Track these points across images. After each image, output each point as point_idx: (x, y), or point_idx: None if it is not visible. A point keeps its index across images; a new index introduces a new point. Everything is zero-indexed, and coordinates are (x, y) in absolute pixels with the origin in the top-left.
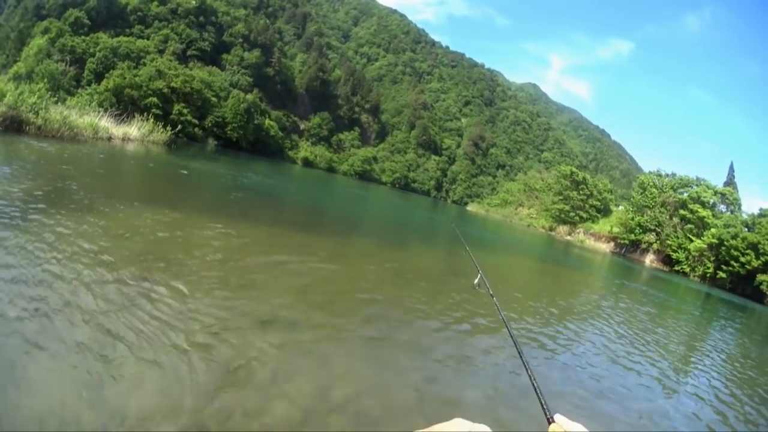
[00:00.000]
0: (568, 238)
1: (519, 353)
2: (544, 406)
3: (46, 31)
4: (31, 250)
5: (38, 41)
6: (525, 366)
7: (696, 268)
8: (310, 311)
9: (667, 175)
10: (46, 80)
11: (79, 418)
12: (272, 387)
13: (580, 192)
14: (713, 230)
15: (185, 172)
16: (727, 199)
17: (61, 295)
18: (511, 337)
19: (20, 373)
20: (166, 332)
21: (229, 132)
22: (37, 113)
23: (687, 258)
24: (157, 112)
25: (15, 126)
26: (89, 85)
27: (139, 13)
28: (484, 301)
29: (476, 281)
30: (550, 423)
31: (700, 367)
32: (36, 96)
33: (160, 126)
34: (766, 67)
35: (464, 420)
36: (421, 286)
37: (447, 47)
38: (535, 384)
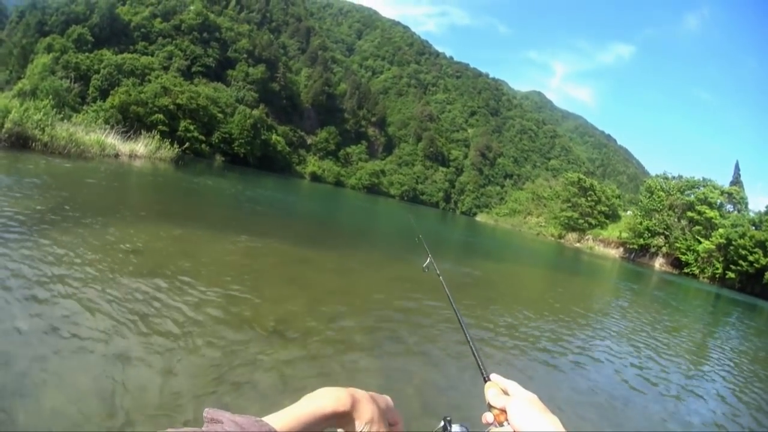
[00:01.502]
0: (578, 245)
1: (458, 320)
2: (481, 366)
3: (49, 47)
4: (50, 261)
5: (42, 59)
6: (463, 330)
7: (705, 270)
8: (317, 322)
9: (674, 177)
10: (50, 97)
11: (89, 419)
12: (278, 395)
13: (588, 198)
14: (721, 230)
15: (196, 186)
16: (734, 198)
17: (74, 303)
18: (452, 306)
19: (33, 378)
20: (174, 341)
21: (236, 148)
22: (43, 130)
23: (696, 260)
24: (164, 128)
25: (21, 142)
26: (94, 102)
27: (142, 30)
28: (479, 312)
29: (425, 264)
30: (486, 381)
31: (709, 367)
32: (41, 113)
33: (167, 143)
34: (766, 62)
35: (390, 399)
36: (426, 296)
37: (451, 58)
38: (472, 346)
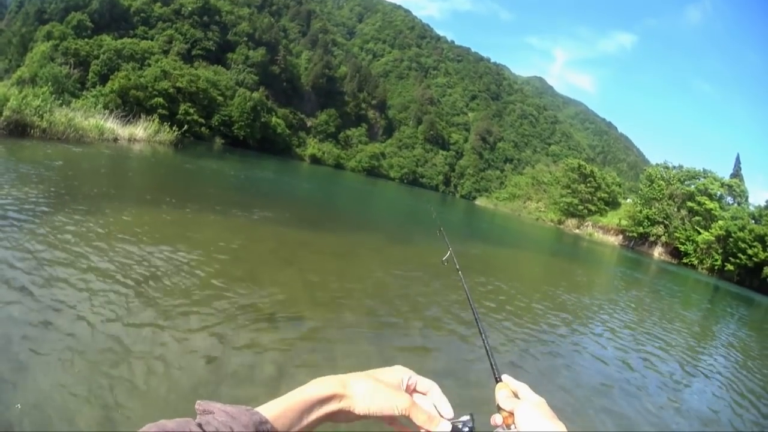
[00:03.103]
0: (577, 231)
1: (475, 319)
2: (494, 367)
3: (48, 35)
4: (46, 246)
5: (41, 46)
6: (479, 329)
7: (704, 261)
8: (315, 306)
9: (674, 167)
10: (50, 83)
11: (83, 416)
12: (275, 381)
13: (588, 185)
14: (720, 222)
15: (195, 169)
16: (734, 191)
17: (68, 286)
18: (470, 304)
19: (27, 370)
20: (171, 326)
21: (236, 130)
22: (41, 116)
23: (695, 250)
24: (163, 112)
25: (20, 130)
26: (94, 87)
27: (142, 15)
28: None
29: (445, 257)
30: (498, 382)
31: (704, 364)
32: (40, 99)
33: (167, 126)
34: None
35: (405, 368)
36: (426, 281)
37: (452, 42)
38: (486, 346)
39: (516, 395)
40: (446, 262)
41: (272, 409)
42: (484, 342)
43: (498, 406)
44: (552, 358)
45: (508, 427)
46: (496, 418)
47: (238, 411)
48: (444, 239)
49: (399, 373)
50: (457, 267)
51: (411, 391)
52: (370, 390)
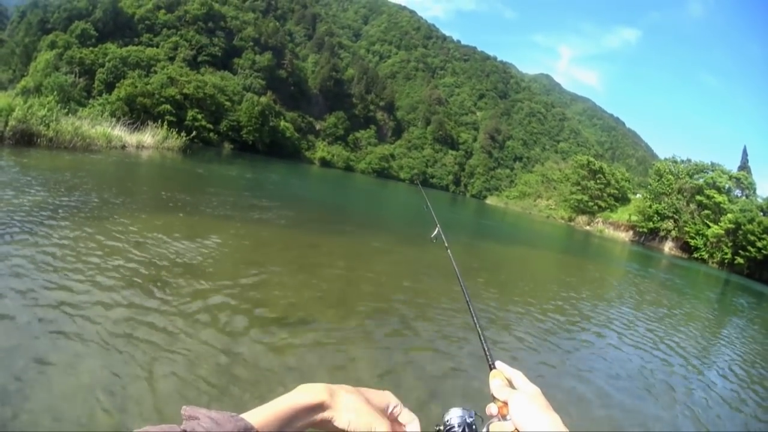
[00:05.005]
0: (588, 228)
1: (466, 300)
2: (487, 354)
3: (52, 44)
4: (53, 256)
5: (45, 55)
6: (472, 315)
7: (714, 255)
8: (325, 309)
9: (683, 161)
10: (55, 93)
11: (94, 416)
12: (282, 383)
13: (598, 181)
14: (730, 215)
15: (204, 174)
16: (742, 183)
17: (83, 296)
18: (462, 288)
19: (41, 370)
20: (181, 329)
21: (244, 135)
22: (48, 125)
23: (705, 244)
24: (171, 118)
25: (26, 139)
26: (100, 95)
27: (146, 22)
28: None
29: (434, 234)
30: (491, 369)
31: (714, 358)
32: (46, 108)
33: (175, 132)
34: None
35: (393, 395)
36: (437, 280)
37: (458, 41)
38: (478, 330)
39: (511, 383)
40: (435, 239)
41: (258, 416)
42: (475, 325)
43: (492, 395)
44: (551, 347)
45: (504, 417)
46: (492, 408)
47: (223, 417)
48: (431, 215)
49: (386, 399)
50: (446, 245)
51: (393, 419)
52: (357, 406)
